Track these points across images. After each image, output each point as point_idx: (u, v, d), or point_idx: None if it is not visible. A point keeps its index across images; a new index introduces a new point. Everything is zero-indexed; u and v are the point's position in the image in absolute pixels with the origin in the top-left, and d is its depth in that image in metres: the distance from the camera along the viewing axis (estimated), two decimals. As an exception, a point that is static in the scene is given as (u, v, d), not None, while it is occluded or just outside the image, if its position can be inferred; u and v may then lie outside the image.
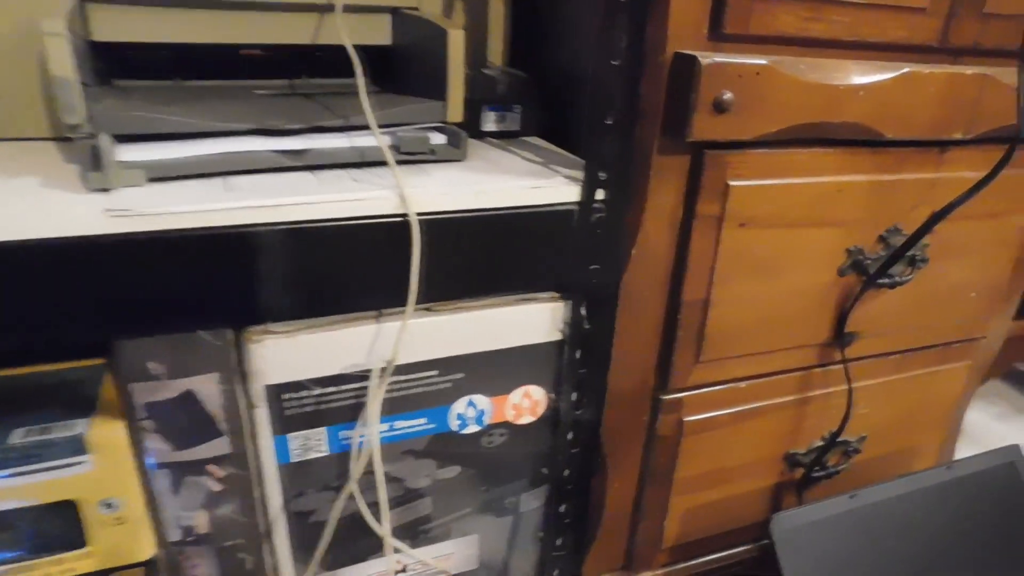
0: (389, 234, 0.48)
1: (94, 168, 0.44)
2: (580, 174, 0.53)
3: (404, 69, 0.66)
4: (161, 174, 0.47)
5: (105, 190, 0.45)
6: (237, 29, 0.60)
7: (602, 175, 0.52)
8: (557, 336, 0.58)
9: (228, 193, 0.46)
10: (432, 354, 0.54)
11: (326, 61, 0.65)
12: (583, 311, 0.56)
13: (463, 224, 0.50)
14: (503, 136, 0.66)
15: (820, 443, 0.78)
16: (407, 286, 0.49)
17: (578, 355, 0.58)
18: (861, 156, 0.63)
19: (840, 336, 0.71)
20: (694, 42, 0.53)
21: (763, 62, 0.53)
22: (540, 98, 0.67)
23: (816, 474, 0.78)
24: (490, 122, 0.65)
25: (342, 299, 0.50)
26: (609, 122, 0.50)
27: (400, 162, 0.53)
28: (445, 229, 0.50)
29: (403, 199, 0.47)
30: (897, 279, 0.69)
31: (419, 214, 0.48)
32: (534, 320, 0.56)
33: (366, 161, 0.53)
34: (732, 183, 0.58)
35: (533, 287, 0.55)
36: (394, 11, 0.65)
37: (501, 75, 0.65)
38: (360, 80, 0.52)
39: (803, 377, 0.73)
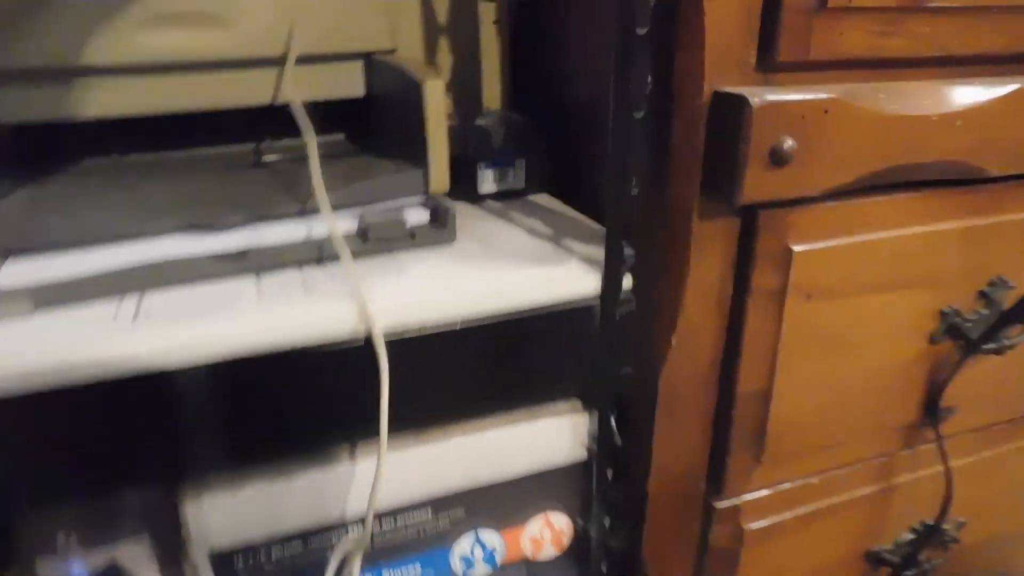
0: (354, 356, 0.37)
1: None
2: (601, 252, 0.41)
3: (382, 125, 0.55)
4: (53, 300, 0.36)
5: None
6: (181, 95, 0.49)
7: (628, 255, 0.40)
8: (582, 454, 0.46)
9: (132, 324, 0.35)
10: (423, 492, 0.42)
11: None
12: (613, 423, 0.44)
13: (451, 337, 0.38)
14: (505, 197, 0.54)
15: (910, 535, 0.64)
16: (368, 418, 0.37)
17: (609, 474, 0.46)
18: (952, 197, 0.50)
19: (933, 412, 0.57)
20: (739, 75, 0.41)
21: (832, 96, 0.41)
22: (547, 148, 0.55)
23: (908, 573, 0.65)
24: (488, 182, 0.53)
25: (298, 439, 0.38)
26: (635, 193, 0.38)
27: (372, 252, 0.42)
28: (427, 345, 0.38)
29: (365, 313, 0.36)
30: (1006, 343, 0.55)
31: (389, 333, 0.36)
32: (551, 438, 0.44)
33: (327, 255, 0.42)
34: (795, 248, 0.46)
35: (547, 400, 0.43)
36: (366, 57, 0.54)
37: (498, 125, 0.53)
38: (312, 150, 0.41)
39: (885, 464, 0.59)
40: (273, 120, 0.54)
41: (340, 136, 0.60)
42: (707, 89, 0.41)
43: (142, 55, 0.45)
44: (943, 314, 0.53)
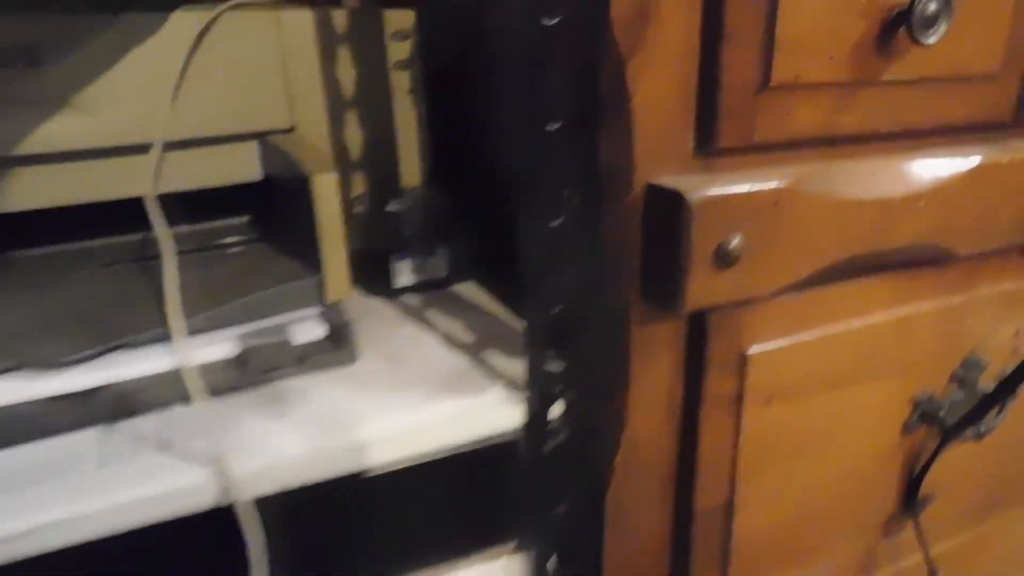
0: (216, 530, 0.30)
1: None
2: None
3: (281, 213, 0.48)
4: None
5: None
6: (38, 188, 0.42)
7: (557, 373, 0.34)
8: (518, 603, 0.39)
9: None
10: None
11: (190, 202, 0.48)
12: (550, 567, 0.38)
13: (346, 488, 0.31)
14: (426, 288, 0.48)
15: (894, 632, 0.58)
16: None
17: (552, 623, 0.39)
18: (921, 278, 0.45)
19: (912, 503, 0.52)
20: (676, 164, 0.36)
21: (782, 185, 0.36)
22: (472, 231, 0.49)
23: (894, 674, 0.59)
24: (404, 274, 0.47)
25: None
26: (555, 312, 0.32)
27: (254, 384, 0.35)
28: (306, 506, 0.31)
29: (226, 481, 0.29)
30: (983, 428, 0.50)
31: (258, 499, 0.29)
32: (479, 591, 0.37)
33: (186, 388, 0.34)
34: (751, 350, 0.40)
35: (471, 548, 0.36)
36: (260, 138, 0.47)
37: (413, 209, 0.47)
38: (168, 257, 0.34)
39: (866, 559, 0.54)
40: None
41: (244, 219, 0.53)
42: (639, 182, 0.35)
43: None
44: (916, 403, 0.48)
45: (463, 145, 0.54)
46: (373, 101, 0.50)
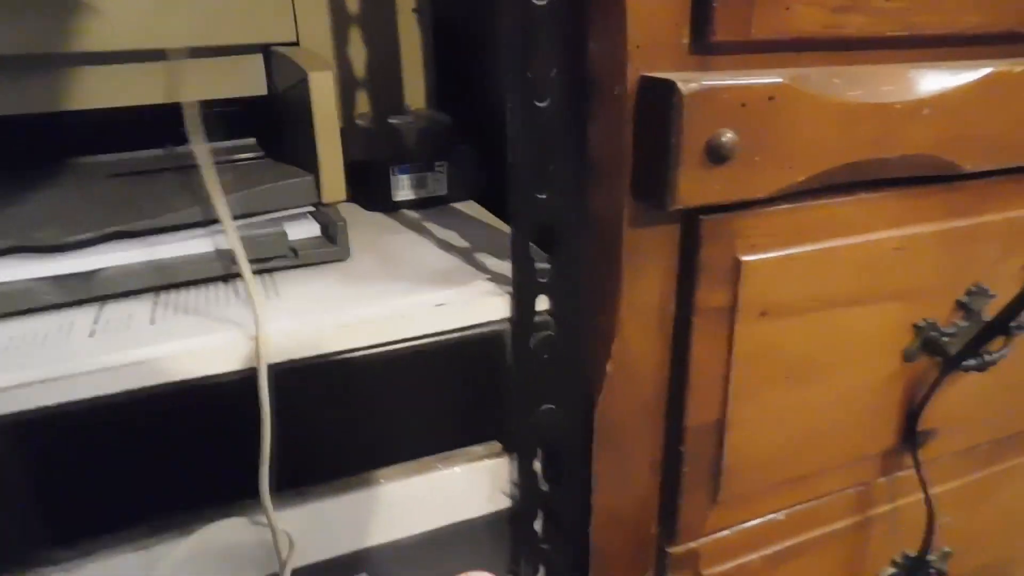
0: (204, 396, 0.30)
1: None
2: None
3: (284, 127, 0.48)
4: None
5: None
6: (68, 93, 0.43)
7: (543, 270, 0.34)
8: (504, 502, 0.39)
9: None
10: (318, 555, 0.36)
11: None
12: (537, 466, 0.38)
13: (339, 374, 0.32)
14: (425, 205, 0.48)
15: (892, 570, 0.58)
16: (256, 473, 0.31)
17: (537, 525, 0.40)
18: (927, 197, 0.44)
19: (911, 437, 0.52)
20: (670, 58, 0.35)
21: (778, 81, 0.35)
22: (474, 152, 0.49)
23: (890, 613, 0.59)
24: (404, 188, 0.47)
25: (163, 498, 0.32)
26: (542, 196, 0.32)
27: (255, 272, 0.36)
28: (306, 382, 0.32)
29: (233, 347, 0.29)
30: (987, 358, 0.49)
31: (244, 372, 0.30)
32: (464, 487, 0.38)
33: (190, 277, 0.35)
34: (745, 258, 0.40)
35: (459, 444, 0.37)
36: (264, 50, 0.47)
37: (413, 125, 0.47)
38: (202, 156, 0.34)
39: (861, 494, 0.53)
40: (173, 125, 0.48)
41: (251, 140, 0.53)
42: (631, 74, 0.35)
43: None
44: (918, 328, 0.47)
45: (466, 69, 0.54)
46: (377, 18, 0.50)
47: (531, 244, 0.34)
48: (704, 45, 0.35)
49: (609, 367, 0.40)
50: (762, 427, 0.45)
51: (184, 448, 0.31)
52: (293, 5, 0.47)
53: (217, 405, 0.31)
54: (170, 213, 0.36)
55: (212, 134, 0.51)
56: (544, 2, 0.29)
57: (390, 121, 0.47)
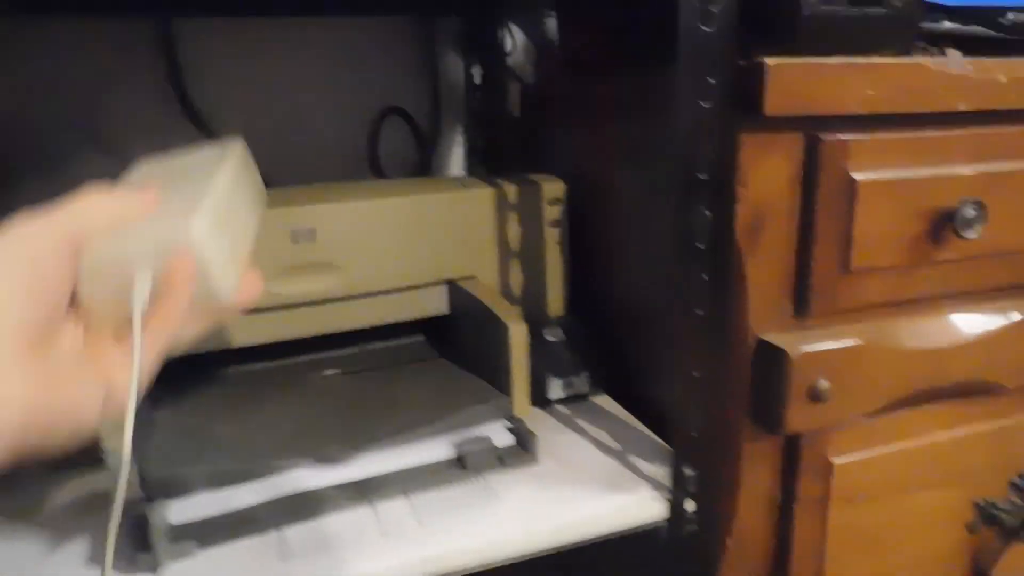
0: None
1: (140, 545, 0.41)
2: (662, 470, 0.48)
3: (459, 338, 0.63)
4: (212, 540, 0.43)
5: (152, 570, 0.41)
6: (302, 324, 0.59)
7: (691, 477, 0.47)
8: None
9: (285, 566, 0.41)
10: None
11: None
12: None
13: (539, 565, 0.44)
14: (570, 401, 0.62)
15: None
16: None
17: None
18: (977, 406, 0.56)
19: (978, 596, 0.61)
20: (779, 323, 0.49)
21: (859, 342, 0.48)
22: (609, 358, 0.63)
23: None
24: (556, 389, 0.61)
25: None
26: (694, 435, 0.45)
27: (467, 478, 0.49)
28: (518, 572, 0.44)
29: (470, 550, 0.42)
30: (1039, 532, 0.59)
31: (485, 566, 0.43)
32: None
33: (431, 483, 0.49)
34: (835, 460, 0.52)
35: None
36: (450, 283, 0.63)
37: (566, 344, 0.61)
38: None
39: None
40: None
41: (420, 338, 0.69)
42: (751, 337, 0.48)
43: (277, 299, 0.54)
44: (978, 506, 0.58)
45: (592, 282, 0.68)
46: (531, 252, 0.65)
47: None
48: (803, 313, 0.49)
49: (728, 542, 0.52)
50: (851, 590, 0.56)
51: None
52: (473, 252, 0.62)
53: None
54: (408, 432, 0.49)
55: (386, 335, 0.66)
56: (701, 314, 0.43)
57: (546, 337, 0.61)
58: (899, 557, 0.56)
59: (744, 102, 0.43)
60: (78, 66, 0.73)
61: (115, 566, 0.42)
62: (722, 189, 0.43)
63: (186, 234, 0.30)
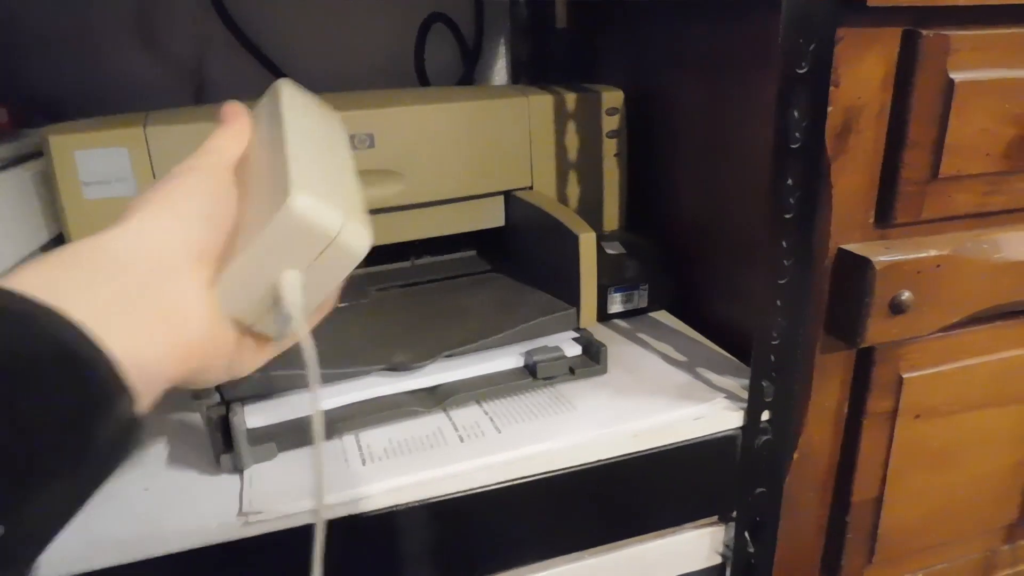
0: (535, 490, 0.43)
1: (225, 447, 0.41)
2: (734, 382, 0.47)
3: (519, 251, 0.62)
4: (290, 444, 0.43)
5: (238, 471, 0.41)
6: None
7: (768, 390, 0.46)
8: (716, 560, 0.51)
9: (366, 468, 0.42)
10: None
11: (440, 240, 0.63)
12: (747, 535, 0.50)
13: (616, 469, 0.44)
14: (629, 315, 0.61)
15: (1008, 623, 0.67)
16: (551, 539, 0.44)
17: (740, 578, 0.51)
18: (1048, 323, 0.55)
19: (1031, 512, 0.62)
20: (860, 233, 0.47)
21: (943, 253, 0.47)
22: (666, 273, 0.61)
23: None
24: (616, 303, 0.60)
25: (483, 563, 0.45)
26: (776, 341, 0.45)
27: (540, 387, 0.49)
28: (596, 476, 0.44)
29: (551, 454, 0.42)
30: (1099, 450, 0.59)
31: (565, 469, 0.43)
32: (691, 548, 0.50)
33: (504, 391, 0.48)
34: (906, 375, 0.51)
35: (690, 519, 0.49)
36: (507, 194, 0.61)
37: (627, 257, 0.60)
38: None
39: (987, 558, 0.63)
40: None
41: (471, 253, 0.67)
42: (832, 246, 0.47)
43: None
44: (1041, 426, 0.58)
45: (652, 197, 0.67)
46: (589, 163, 0.64)
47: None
48: (885, 223, 0.47)
49: (796, 455, 0.52)
50: (911, 504, 0.56)
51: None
52: (531, 162, 0.61)
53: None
54: (482, 339, 0.49)
55: (447, 247, 0.66)
56: (789, 217, 0.41)
57: (607, 251, 0.60)
58: (962, 474, 0.57)
59: (847, -8, 0.40)
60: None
61: (200, 469, 0.42)
62: (818, 87, 0.41)
63: (310, 218, 0.26)
